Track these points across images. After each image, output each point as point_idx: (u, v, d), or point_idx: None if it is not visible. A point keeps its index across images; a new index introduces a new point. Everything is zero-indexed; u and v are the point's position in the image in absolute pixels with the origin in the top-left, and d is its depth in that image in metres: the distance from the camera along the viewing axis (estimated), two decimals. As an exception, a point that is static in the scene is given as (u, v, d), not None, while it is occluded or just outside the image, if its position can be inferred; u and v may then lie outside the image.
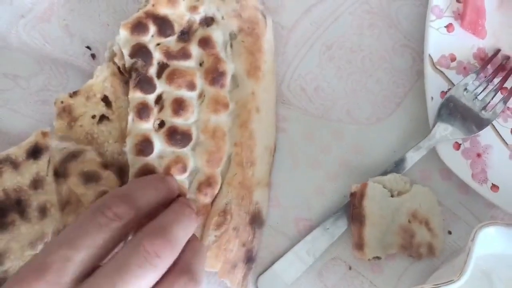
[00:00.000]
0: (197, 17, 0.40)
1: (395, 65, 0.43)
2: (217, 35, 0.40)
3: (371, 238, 0.39)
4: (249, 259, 0.40)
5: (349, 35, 0.43)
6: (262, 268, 0.41)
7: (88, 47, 0.43)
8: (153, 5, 0.40)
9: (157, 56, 0.39)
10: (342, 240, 0.41)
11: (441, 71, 0.41)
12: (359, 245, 0.39)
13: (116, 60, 0.40)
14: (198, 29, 0.40)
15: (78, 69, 0.43)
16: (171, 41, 0.40)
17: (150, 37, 0.40)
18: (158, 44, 0.40)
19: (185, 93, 0.39)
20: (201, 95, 0.40)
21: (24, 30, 0.43)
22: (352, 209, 0.40)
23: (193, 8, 0.40)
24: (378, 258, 0.40)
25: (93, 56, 0.43)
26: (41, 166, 0.38)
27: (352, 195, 0.40)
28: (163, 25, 0.40)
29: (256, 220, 0.40)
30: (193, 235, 0.34)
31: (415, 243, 0.39)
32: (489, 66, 0.41)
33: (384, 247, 0.40)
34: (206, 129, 0.39)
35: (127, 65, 0.39)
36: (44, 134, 0.40)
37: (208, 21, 0.41)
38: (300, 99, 0.43)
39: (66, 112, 0.40)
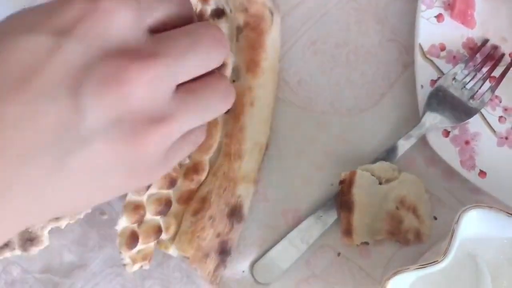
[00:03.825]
0: (208, 8, 0.40)
1: (381, 58, 0.43)
2: (224, 28, 0.40)
3: (359, 224, 0.39)
4: (223, 251, 0.40)
5: (335, 31, 0.44)
6: (252, 262, 0.41)
7: None
8: None
9: None
10: (331, 229, 0.41)
11: (431, 60, 0.41)
12: (348, 232, 0.40)
13: None
14: (208, 21, 0.40)
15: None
16: None
17: None
18: None
19: None
20: None
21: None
22: (341, 196, 0.40)
23: None
24: (366, 243, 0.40)
25: None
26: None
27: (341, 182, 0.40)
28: None
29: (235, 214, 0.40)
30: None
31: (402, 229, 0.39)
32: (478, 55, 0.42)
33: (373, 233, 0.40)
34: None
35: None
36: None
37: (219, 13, 0.41)
38: (283, 91, 0.43)
39: None
